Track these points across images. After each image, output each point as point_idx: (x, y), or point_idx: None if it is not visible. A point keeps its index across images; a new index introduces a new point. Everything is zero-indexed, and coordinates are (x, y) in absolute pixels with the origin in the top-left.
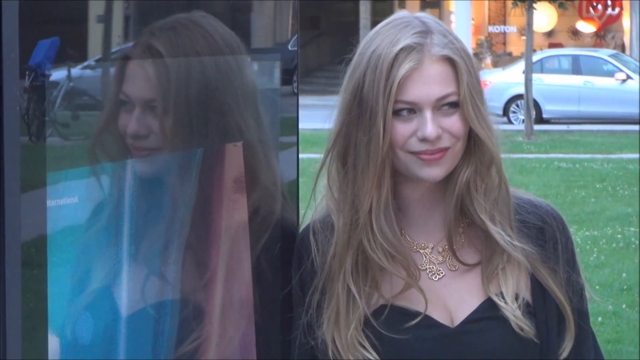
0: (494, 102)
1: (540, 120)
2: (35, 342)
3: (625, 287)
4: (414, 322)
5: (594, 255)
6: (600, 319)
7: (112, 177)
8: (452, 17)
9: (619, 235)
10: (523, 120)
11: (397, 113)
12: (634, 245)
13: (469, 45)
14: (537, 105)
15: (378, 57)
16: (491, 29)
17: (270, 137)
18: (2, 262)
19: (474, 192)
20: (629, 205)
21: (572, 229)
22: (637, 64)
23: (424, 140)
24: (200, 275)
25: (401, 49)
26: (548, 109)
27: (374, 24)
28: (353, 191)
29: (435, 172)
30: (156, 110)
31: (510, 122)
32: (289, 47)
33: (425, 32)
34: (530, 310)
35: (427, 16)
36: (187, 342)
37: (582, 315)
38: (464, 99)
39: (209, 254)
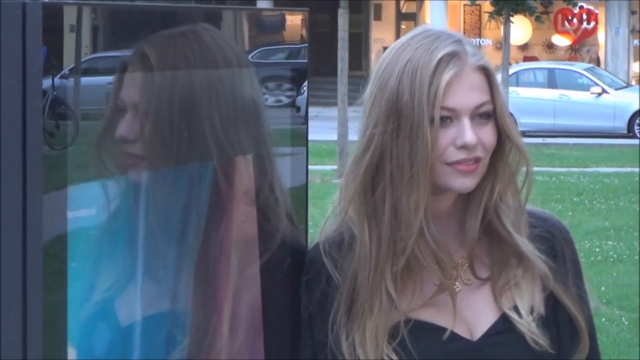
0: None
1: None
2: (55, 352)
3: (604, 301)
4: (442, 336)
5: None
6: None
7: (123, 189)
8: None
9: (597, 249)
10: None
11: (440, 121)
12: (611, 259)
13: None
14: (512, 118)
15: (416, 65)
16: None
17: (271, 152)
18: (24, 270)
19: (501, 205)
20: (606, 219)
21: None
22: (612, 78)
23: (462, 147)
24: (211, 288)
25: (443, 56)
26: (524, 122)
27: (352, 36)
28: (393, 203)
29: (468, 182)
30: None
31: None
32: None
33: (460, 41)
34: (544, 323)
35: (448, 30)
36: (197, 356)
37: (591, 325)
38: (500, 109)
39: (219, 268)
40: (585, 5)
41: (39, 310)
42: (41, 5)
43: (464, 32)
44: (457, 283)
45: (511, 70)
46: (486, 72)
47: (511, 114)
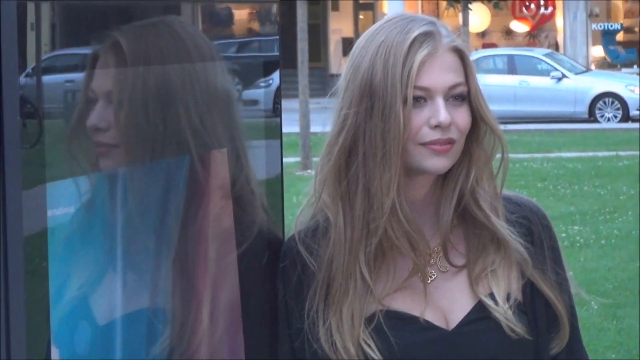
0: None
1: None
2: (39, 351)
3: None
4: (417, 325)
5: None
6: None
7: (97, 183)
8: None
9: (563, 234)
10: None
11: (413, 101)
12: (578, 244)
13: None
14: None
15: (390, 46)
16: None
17: (245, 145)
18: (6, 269)
19: (477, 188)
20: (571, 204)
21: None
22: (572, 62)
23: (436, 127)
24: (190, 280)
25: (417, 36)
26: None
27: (310, 27)
28: (367, 181)
29: (442, 162)
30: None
31: None
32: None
33: (434, 23)
34: (522, 309)
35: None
36: (178, 348)
37: (572, 313)
38: (474, 91)
39: (197, 260)
40: None
41: (21, 310)
42: (16, 3)
43: None
44: (432, 271)
45: (474, 57)
46: (460, 54)
47: None
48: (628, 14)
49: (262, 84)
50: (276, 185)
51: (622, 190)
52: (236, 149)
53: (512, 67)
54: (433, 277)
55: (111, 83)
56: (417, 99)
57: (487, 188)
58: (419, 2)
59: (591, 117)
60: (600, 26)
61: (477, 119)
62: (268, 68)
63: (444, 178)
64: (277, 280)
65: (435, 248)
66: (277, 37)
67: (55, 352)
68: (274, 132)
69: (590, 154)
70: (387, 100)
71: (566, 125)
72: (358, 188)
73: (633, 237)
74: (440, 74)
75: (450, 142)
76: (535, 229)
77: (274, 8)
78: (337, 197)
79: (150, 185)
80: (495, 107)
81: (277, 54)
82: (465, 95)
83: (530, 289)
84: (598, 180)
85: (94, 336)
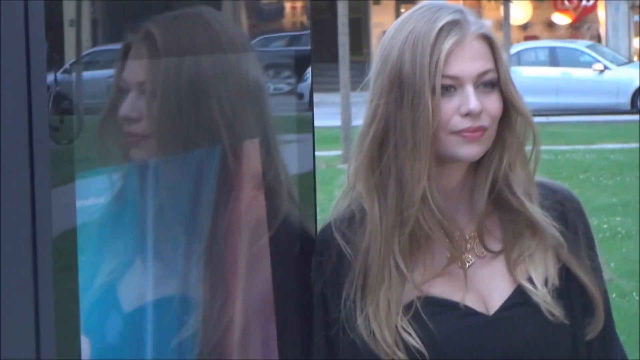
0: None
1: None
2: (68, 342)
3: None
4: (457, 311)
5: None
6: None
7: (129, 174)
8: None
9: (605, 225)
10: None
11: (441, 90)
12: (620, 235)
13: None
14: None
15: (418, 36)
16: None
17: (276, 136)
18: (35, 262)
19: (511, 174)
20: (613, 195)
21: None
22: (614, 54)
23: (467, 115)
24: (221, 270)
25: (444, 25)
26: (527, 101)
27: (351, 21)
28: (397, 173)
29: (475, 149)
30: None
31: None
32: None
33: (461, 11)
34: (559, 294)
35: (446, 1)
36: (210, 337)
37: (606, 298)
38: (504, 77)
39: (228, 250)
40: None
41: (51, 306)
42: (43, 1)
43: None
44: (470, 256)
45: (513, 50)
46: (489, 41)
47: None
48: None
49: (293, 80)
50: (309, 179)
51: None
52: (267, 140)
53: (554, 59)
54: (470, 263)
55: (143, 74)
56: (446, 88)
57: (520, 174)
58: None
59: (634, 108)
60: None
61: (508, 105)
62: (301, 63)
63: (477, 165)
64: (312, 270)
65: (472, 234)
66: (309, 31)
67: (85, 342)
68: (306, 126)
69: (633, 145)
70: (416, 90)
71: (608, 117)
72: (390, 178)
73: None
74: (468, 62)
75: (482, 129)
76: (569, 214)
77: (307, 4)
78: (372, 187)
79: (182, 175)
80: (537, 100)
81: (309, 48)
82: (495, 82)
83: (565, 274)
84: None
85: (124, 324)
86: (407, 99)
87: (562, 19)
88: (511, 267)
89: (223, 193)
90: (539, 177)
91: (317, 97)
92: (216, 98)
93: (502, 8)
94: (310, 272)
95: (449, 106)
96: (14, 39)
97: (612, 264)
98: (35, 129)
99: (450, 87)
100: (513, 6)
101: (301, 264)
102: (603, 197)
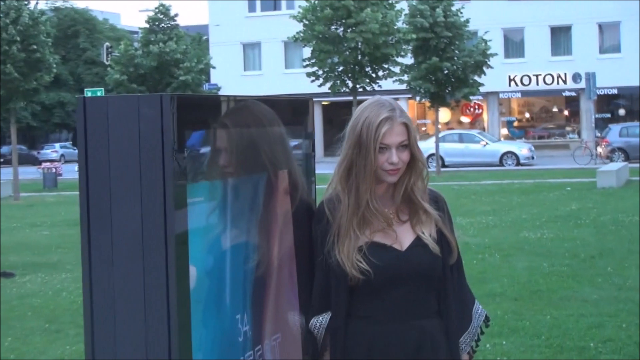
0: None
1: (443, 165)
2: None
3: None
4: (387, 249)
5: None
6: None
7: (221, 190)
8: None
9: (483, 221)
10: (435, 165)
11: (379, 150)
12: (490, 225)
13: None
14: (442, 157)
15: (370, 123)
16: (418, 121)
17: (298, 166)
18: (167, 257)
19: (415, 186)
20: (488, 205)
21: None
22: (491, 136)
23: (391, 163)
24: (268, 232)
25: (382, 119)
26: (449, 160)
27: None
28: (357, 186)
29: (394, 179)
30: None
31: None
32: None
33: (393, 109)
34: (436, 241)
35: (390, 99)
36: (260, 267)
37: (457, 247)
38: (412, 142)
39: (271, 224)
40: (475, 101)
41: (173, 268)
42: (180, 100)
43: (417, 116)
44: (394, 222)
45: (440, 135)
46: (405, 125)
47: (440, 156)
48: (520, 111)
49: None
50: (310, 185)
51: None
52: (291, 168)
53: (461, 138)
54: (393, 225)
55: (225, 142)
56: (382, 149)
57: (420, 185)
58: (415, 106)
59: (501, 164)
60: (505, 118)
61: (414, 155)
62: (307, 135)
63: (397, 182)
64: (312, 227)
65: (393, 212)
66: (311, 131)
67: (192, 269)
68: (311, 163)
69: (499, 181)
70: (367, 148)
71: (489, 167)
72: (352, 187)
73: None
74: (393, 137)
75: (397, 169)
76: (441, 204)
77: (309, 103)
78: (344, 189)
79: (248, 186)
80: (454, 159)
81: (311, 130)
82: (407, 145)
83: (439, 232)
84: (503, 195)
85: (214, 258)
86: (362, 152)
87: (465, 119)
88: (413, 227)
89: (268, 195)
90: (429, 187)
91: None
92: (262, 147)
93: (435, 114)
94: (312, 228)
95: (383, 158)
96: (166, 128)
97: (486, 240)
98: (166, 174)
99: (384, 148)
100: (441, 113)
101: (307, 224)
102: (482, 207)
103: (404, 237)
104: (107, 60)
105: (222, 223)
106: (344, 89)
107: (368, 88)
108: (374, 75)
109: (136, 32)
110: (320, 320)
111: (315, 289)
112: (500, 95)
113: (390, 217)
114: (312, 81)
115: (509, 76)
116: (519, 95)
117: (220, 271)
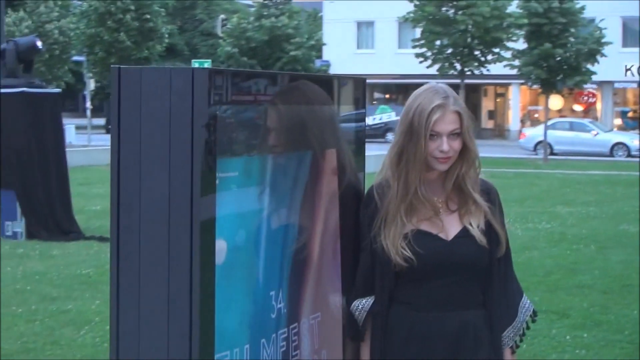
0: (529, 144)
1: (552, 153)
2: (206, 294)
3: None
4: (432, 238)
5: None
6: None
7: (261, 164)
8: (510, 103)
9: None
10: (543, 152)
11: (430, 137)
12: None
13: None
14: (550, 145)
15: (422, 109)
16: (530, 107)
17: (348, 146)
18: (191, 248)
19: (466, 175)
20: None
21: None
22: (603, 126)
23: (442, 151)
24: (311, 212)
25: (434, 106)
26: (557, 148)
27: None
28: (406, 172)
29: (444, 166)
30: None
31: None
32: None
33: (447, 97)
34: (484, 233)
35: (445, 86)
36: (302, 249)
37: (507, 240)
38: (465, 131)
39: (316, 204)
40: (589, 90)
41: (197, 254)
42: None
43: (530, 102)
44: (441, 211)
45: (551, 122)
46: (458, 113)
47: (549, 143)
48: (635, 102)
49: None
50: (361, 173)
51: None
52: (339, 148)
53: (572, 127)
54: (441, 214)
55: (276, 121)
56: (432, 136)
57: (471, 174)
58: (528, 91)
59: (611, 154)
60: (620, 108)
61: (465, 144)
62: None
63: (447, 170)
64: (361, 211)
65: (442, 202)
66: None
67: (220, 243)
68: (361, 141)
69: (609, 172)
70: (419, 135)
71: (597, 158)
72: (402, 174)
73: None
74: (444, 125)
75: (448, 157)
76: (492, 196)
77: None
78: (394, 175)
79: (291, 164)
80: (563, 148)
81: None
82: (459, 133)
83: (488, 224)
84: (608, 186)
85: (250, 233)
86: (413, 139)
87: (578, 107)
88: (461, 217)
89: (314, 174)
90: (482, 178)
91: None
92: (309, 125)
93: (546, 101)
94: (360, 212)
95: (433, 145)
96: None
97: (584, 231)
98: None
99: (434, 136)
100: (553, 100)
101: (355, 206)
102: (585, 197)
103: (450, 227)
104: (221, 33)
105: (259, 199)
106: (452, 71)
107: (476, 72)
108: (482, 59)
109: (253, 6)
110: (363, 304)
111: (359, 272)
112: (615, 85)
113: (438, 205)
114: (420, 62)
115: (625, 66)
116: (634, 85)
117: (254, 246)
